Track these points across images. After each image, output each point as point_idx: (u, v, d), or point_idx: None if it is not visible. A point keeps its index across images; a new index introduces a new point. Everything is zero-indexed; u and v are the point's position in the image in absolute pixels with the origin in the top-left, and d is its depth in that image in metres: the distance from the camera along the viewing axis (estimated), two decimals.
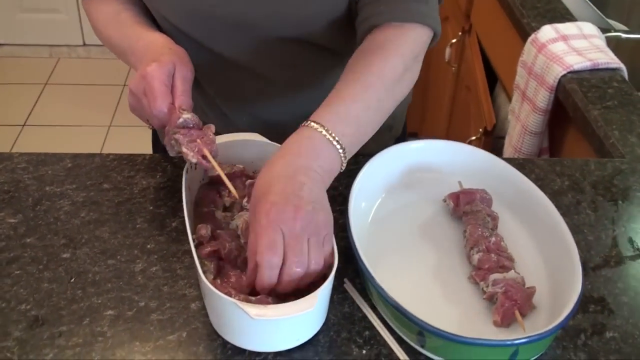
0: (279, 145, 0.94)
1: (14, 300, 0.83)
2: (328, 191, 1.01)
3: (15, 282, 0.85)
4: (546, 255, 0.88)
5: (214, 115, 1.14)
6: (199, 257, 0.82)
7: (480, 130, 1.78)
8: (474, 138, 1.81)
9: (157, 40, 0.96)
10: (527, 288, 0.82)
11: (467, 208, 0.93)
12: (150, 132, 1.31)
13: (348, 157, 0.84)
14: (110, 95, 3.16)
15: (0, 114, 2.96)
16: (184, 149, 0.87)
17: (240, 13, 0.98)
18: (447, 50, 2.18)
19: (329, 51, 1.07)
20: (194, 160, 0.87)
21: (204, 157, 0.87)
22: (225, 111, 1.14)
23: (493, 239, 0.88)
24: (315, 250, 0.74)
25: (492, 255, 0.86)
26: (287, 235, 0.73)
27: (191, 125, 0.89)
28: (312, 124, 0.82)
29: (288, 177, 0.77)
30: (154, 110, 0.88)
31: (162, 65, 0.89)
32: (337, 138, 0.81)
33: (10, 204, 0.97)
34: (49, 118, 2.97)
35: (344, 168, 0.85)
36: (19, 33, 3.41)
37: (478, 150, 1.00)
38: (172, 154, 0.91)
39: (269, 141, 0.96)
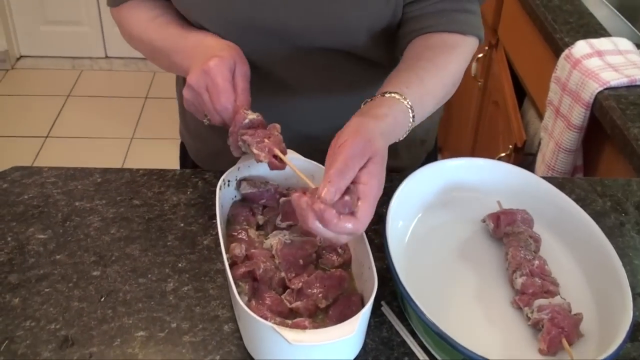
0: (315, 162, 0.92)
1: (44, 319, 0.81)
2: None
3: (45, 301, 0.83)
4: (592, 280, 0.85)
5: None
6: (232, 278, 0.80)
7: (510, 146, 1.75)
8: (503, 155, 1.78)
9: (207, 37, 0.95)
10: (574, 315, 0.79)
11: (508, 229, 0.90)
12: (177, 144, 1.29)
13: None
14: (133, 107, 3.16)
15: (24, 126, 2.97)
16: (255, 150, 0.84)
17: (280, 23, 0.96)
18: (474, 65, 2.15)
19: (369, 62, 1.04)
20: (265, 161, 0.84)
21: (275, 156, 0.84)
22: None
23: (536, 262, 0.85)
24: None
25: (536, 279, 0.83)
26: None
27: (257, 125, 0.87)
28: (408, 108, 0.82)
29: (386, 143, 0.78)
30: (218, 106, 0.86)
31: (224, 61, 0.87)
32: (412, 123, 0.84)
33: (40, 219, 0.95)
34: (72, 130, 2.97)
35: None
36: (42, 45, 3.43)
37: (517, 168, 0.97)
38: (236, 154, 0.89)
39: (304, 158, 0.94)
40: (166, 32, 0.99)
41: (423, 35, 0.95)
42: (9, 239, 0.92)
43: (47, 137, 2.92)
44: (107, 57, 3.47)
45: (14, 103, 3.15)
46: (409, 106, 0.82)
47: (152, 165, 1.22)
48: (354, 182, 0.71)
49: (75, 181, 1.02)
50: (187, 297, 0.84)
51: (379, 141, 0.74)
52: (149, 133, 2.96)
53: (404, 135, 0.84)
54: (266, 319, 0.75)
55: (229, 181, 0.91)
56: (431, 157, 1.28)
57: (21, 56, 3.46)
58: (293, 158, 0.94)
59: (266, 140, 0.85)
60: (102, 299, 0.84)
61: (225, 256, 0.78)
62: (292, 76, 1.04)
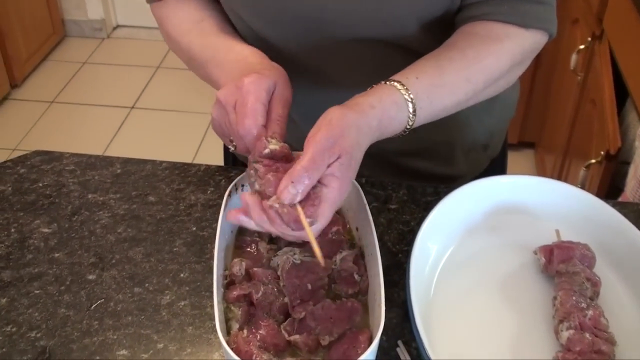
0: None
1: (26, 326, 0.75)
2: (396, 227, 0.87)
3: (32, 304, 0.77)
4: None
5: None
6: (225, 302, 0.71)
7: (602, 153, 1.56)
8: (593, 161, 1.59)
9: (252, 54, 0.83)
10: None
11: (561, 267, 0.75)
12: None
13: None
14: None
15: (111, 95, 3.00)
16: (256, 186, 0.69)
17: (318, 10, 0.85)
18: (573, 57, 1.95)
19: (417, 55, 0.91)
20: (275, 206, 0.67)
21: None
22: (294, 117, 1.01)
23: (590, 312, 0.70)
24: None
25: (587, 334, 0.68)
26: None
27: (279, 157, 0.72)
28: (407, 100, 0.74)
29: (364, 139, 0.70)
30: (241, 129, 0.73)
31: (262, 80, 0.74)
32: (414, 118, 0.75)
33: (49, 211, 0.89)
34: (157, 102, 2.97)
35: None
36: (138, 15, 3.46)
37: (582, 192, 0.82)
38: (252, 188, 0.72)
39: None
40: (207, 40, 0.88)
41: (473, 22, 0.81)
42: (13, 230, 0.86)
43: (132, 107, 2.93)
44: None
45: (106, 72, 3.19)
46: (408, 99, 0.73)
47: (184, 162, 1.15)
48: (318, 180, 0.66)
49: (93, 170, 0.96)
50: (182, 313, 0.76)
51: (352, 137, 0.67)
52: None
53: (403, 132, 0.75)
54: (251, 355, 0.65)
55: (242, 185, 0.82)
56: (497, 165, 1.12)
57: (117, 25, 3.51)
58: None
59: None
60: (92, 307, 0.77)
61: (215, 274, 0.69)
62: (334, 70, 0.92)
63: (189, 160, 2.60)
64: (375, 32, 0.86)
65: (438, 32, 0.87)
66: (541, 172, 2.40)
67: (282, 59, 0.91)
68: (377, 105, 0.71)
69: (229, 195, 0.78)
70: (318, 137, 0.66)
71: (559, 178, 2.13)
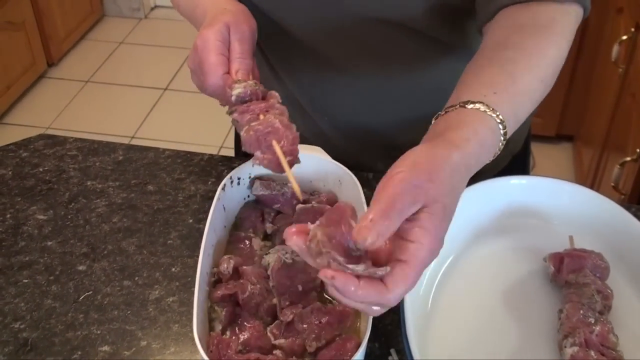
0: (342, 166, 0.77)
1: (11, 316, 0.73)
2: None
3: (19, 293, 0.76)
4: None
5: (294, 112, 0.97)
6: (210, 301, 0.68)
7: (638, 150, 1.48)
8: (629, 159, 1.51)
9: (216, 4, 0.81)
10: None
11: (571, 277, 0.70)
12: None
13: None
14: None
15: (146, 76, 3.00)
16: (243, 134, 0.69)
17: None
18: (615, 48, 1.85)
19: (432, 39, 0.85)
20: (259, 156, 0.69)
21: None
22: (305, 108, 0.97)
23: (598, 328, 0.65)
24: None
25: (592, 352, 0.63)
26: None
27: (248, 98, 0.71)
28: (499, 123, 0.61)
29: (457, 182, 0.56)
30: (210, 89, 0.74)
31: (211, 31, 0.74)
32: (504, 142, 0.62)
33: (47, 197, 0.87)
34: (190, 84, 2.94)
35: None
36: None
37: (599, 197, 0.77)
38: (244, 147, 0.71)
39: (331, 160, 0.79)
40: None
41: (507, 12, 0.73)
42: (8, 216, 0.85)
43: (165, 89, 2.93)
44: None
45: (142, 53, 3.19)
46: (499, 121, 0.60)
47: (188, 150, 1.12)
48: (401, 236, 0.52)
49: (95, 157, 0.94)
50: (169, 310, 0.73)
51: (443, 183, 0.53)
52: None
53: (491, 159, 0.62)
54: (229, 359, 0.62)
55: (239, 178, 0.78)
56: (518, 161, 1.06)
57: (156, 6, 3.50)
58: (321, 159, 0.80)
59: (261, 117, 0.69)
60: (79, 300, 0.75)
61: (199, 272, 0.66)
62: (340, 53, 0.87)
63: (219, 142, 2.59)
64: (380, 12, 0.81)
65: (446, 14, 0.81)
66: (578, 167, 2.31)
67: (291, 41, 0.88)
68: (472, 137, 0.58)
69: (223, 188, 0.75)
70: (398, 177, 0.52)
71: (595, 175, 2.04)
